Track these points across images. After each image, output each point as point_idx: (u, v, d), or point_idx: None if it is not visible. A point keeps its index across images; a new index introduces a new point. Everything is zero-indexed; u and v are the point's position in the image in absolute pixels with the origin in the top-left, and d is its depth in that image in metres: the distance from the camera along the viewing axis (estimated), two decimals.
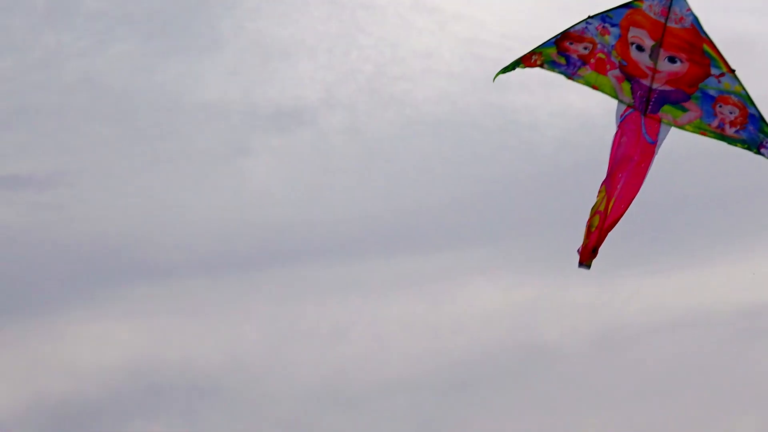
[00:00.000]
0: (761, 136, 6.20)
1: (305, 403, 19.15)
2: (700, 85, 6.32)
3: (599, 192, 6.80)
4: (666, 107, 6.50)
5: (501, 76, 6.85)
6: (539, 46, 6.63)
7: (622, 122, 6.70)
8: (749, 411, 18.82)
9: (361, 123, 21.72)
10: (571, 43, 6.59)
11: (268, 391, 19.22)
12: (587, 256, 6.67)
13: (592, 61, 6.63)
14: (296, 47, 22.07)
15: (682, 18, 6.16)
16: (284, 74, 22.15)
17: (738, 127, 6.27)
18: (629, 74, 6.55)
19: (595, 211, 6.75)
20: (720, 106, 6.31)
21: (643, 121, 6.58)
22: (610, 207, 6.65)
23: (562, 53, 6.64)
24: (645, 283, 19.21)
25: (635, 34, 6.37)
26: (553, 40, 6.58)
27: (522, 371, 19.33)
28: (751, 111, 6.06)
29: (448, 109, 21.59)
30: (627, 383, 19.13)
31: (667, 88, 6.46)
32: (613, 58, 6.57)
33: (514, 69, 6.77)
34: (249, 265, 20.56)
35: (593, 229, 6.67)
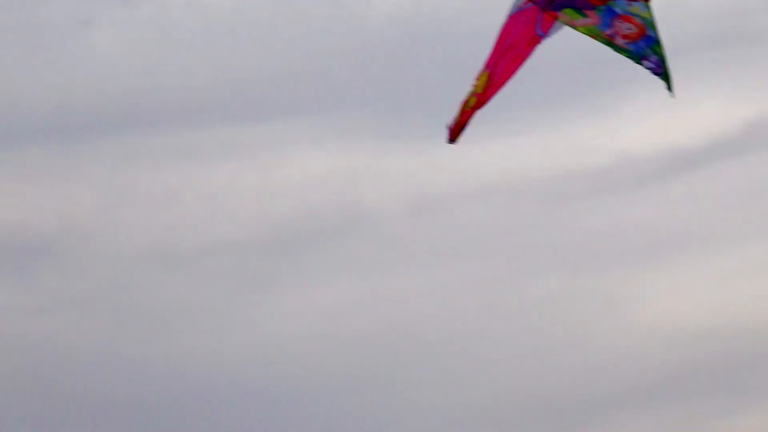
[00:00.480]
0: (648, 51, 6.61)
1: (136, 264, 19.70)
2: (609, 2, 6.66)
3: (480, 76, 6.94)
4: (567, 9, 6.76)
5: None
6: None
7: (517, 12, 6.88)
8: (555, 270, 19.79)
9: None
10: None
11: (100, 251, 19.70)
12: (458, 133, 7.01)
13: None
14: None
15: None
16: None
17: (629, 40, 6.61)
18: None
19: (473, 93, 6.91)
20: (620, 22, 6.62)
21: (540, 16, 6.81)
22: (479, 89, 6.91)
23: None
24: (462, 151, 19.72)
25: None
26: None
27: (343, 233, 20.06)
28: (650, 33, 6.57)
29: None
30: (442, 245, 19.95)
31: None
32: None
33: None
34: (86, 131, 20.93)
35: (467, 109, 6.90)
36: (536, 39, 6.83)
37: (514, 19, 6.84)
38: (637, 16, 6.62)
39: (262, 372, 19.31)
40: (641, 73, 6.54)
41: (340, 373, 19.28)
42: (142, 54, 21.54)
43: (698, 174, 20.72)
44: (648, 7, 6.61)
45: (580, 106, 20.59)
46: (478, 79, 6.91)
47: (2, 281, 19.50)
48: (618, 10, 6.65)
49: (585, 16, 6.79)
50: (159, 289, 19.79)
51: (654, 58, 6.76)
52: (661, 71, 6.76)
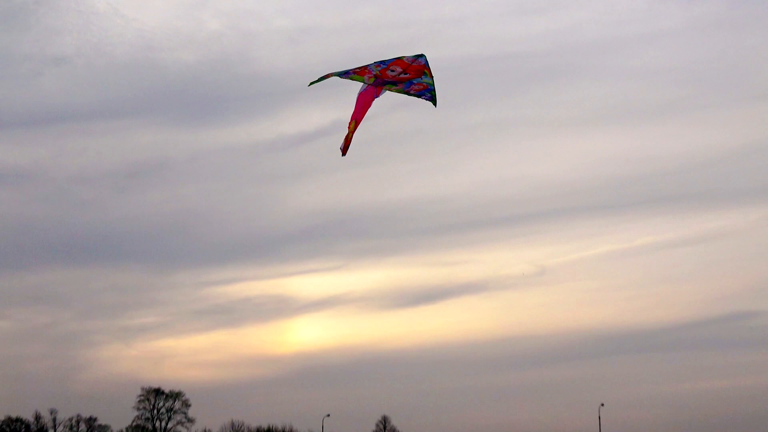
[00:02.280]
0: (428, 94, 14.01)
1: None
2: (411, 80, 14.25)
3: (350, 123, 14.26)
4: (388, 85, 14.18)
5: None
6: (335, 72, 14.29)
7: (364, 90, 14.22)
8: None
9: None
10: (354, 70, 14.45)
11: None
12: (345, 150, 14.39)
13: (360, 72, 14.13)
14: None
15: (419, 62, 14.18)
16: None
17: (417, 92, 14.09)
18: (379, 77, 14.39)
19: (349, 132, 13.89)
20: (417, 86, 13.94)
21: (375, 89, 14.05)
22: (353, 128, 14.02)
23: (346, 72, 14.33)
24: None
25: (394, 67, 14.29)
26: (346, 71, 14.33)
27: None
28: (430, 88, 14.20)
29: None
30: None
31: (391, 80, 14.09)
32: (372, 71, 14.29)
33: (317, 82, 14.06)
34: None
35: (347, 138, 14.21)
36: (372, 99, 14.12)
37: (362, 93, 14.07)
38: (424, 82, 14.18)
39: None
40: None
41: None
42: None
43: None
44: (432, 79, 14.19)
45: None
46: (349, 124, 14.17)
47: None
48: (415, 82, 14.19)
49: (396, 86, 14.14)
50: None
51: (427, 95, 14.36)
52: (432, 99, 14.14)
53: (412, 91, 13.35)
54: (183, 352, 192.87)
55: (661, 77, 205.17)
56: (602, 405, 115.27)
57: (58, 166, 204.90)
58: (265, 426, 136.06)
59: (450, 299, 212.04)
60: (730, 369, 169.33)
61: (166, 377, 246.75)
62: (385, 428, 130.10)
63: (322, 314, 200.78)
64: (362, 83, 13.41)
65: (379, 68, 13.11)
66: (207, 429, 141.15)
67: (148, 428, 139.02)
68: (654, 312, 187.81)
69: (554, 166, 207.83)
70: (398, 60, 13.12)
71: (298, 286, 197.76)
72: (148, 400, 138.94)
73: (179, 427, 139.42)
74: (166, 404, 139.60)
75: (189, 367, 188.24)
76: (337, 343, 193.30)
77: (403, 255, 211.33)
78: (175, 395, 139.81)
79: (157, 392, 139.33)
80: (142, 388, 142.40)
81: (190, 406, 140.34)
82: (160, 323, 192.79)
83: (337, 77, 13.17)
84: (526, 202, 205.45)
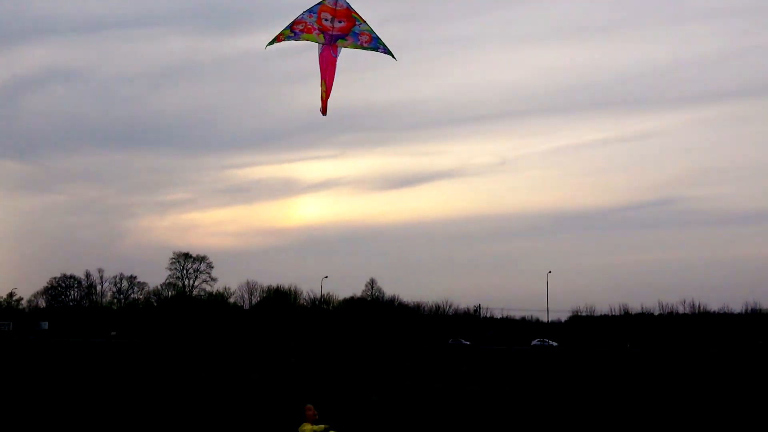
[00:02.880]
0: (379, 44, 13.20)
1: None
2: (352, 29, 13.07)
3: (321, 83, 13.41)
4: (339, 41, 13.11)
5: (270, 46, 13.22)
6: (283, 29, 13.23)
7: (322, 52, 13.34)
8: None
9: None
10: (296, 25, 13.23)
11: None
12: (324, 111, 13.44)
13: (304, 29, 13.16)
14: None
15: (340, 4, 13.05)
16: None
17: (367, 43, 13.06)
18: (323, 31, 13.18)
19: (323, 92, 13.23)
20: (362, 35, 12.98)
21: (330, 48, 13.15)
22: (325, 89, 13.34)
23: (292, 31, 13.28)
24: None
25: (324, 15, 13.09)
26: (288, 25, 13.12)
27: None
28: (374, 36, 13.24)
29: None
30: None
31: (338, 33, 13.01)
32: (314, 26, 13.16)
33: (272, 44, 13.20)
34: None
35: (323, 97, 13.31)
36: (333, 58, 13.27)
37: (321, 55, 13.30)
38: (367, 30, 13.19)
39: None
40: None
41: None
42: None
43: None
44: (368, 25, 13.19)
45: None
46: (321, 84, 13.22)
47: None
48: (357, 31, 13.20)
49: (346, 40, 13.21)
50: None
51: (381, 47, 13.27)
52: (387, 51, 13.16)
53: (364, 44, 12.74)
54: (207, 223, 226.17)
55: None
56: (550, 272, 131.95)
57: (104, 66, 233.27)
58: (274, 285, 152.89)
59: (427, 183, 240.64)
60: (655, 245, 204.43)
61: (193, 244, 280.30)
62: (372, 288, 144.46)
63: (321, 194, 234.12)
64: (317, 43, 12.82)
65: (312, 18, 12.64)
66: (227, 287, 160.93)
67: (178, 285, 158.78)
68: (595, 197, 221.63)
69: (516, 74, 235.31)
70: (322, 5, 12.77)
71: (302, 170, 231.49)
72: (178, 262, 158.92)
73: (204, 285, 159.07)
74: (193, 266, 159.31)
75: (212, 236, 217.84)
76: (334, 218, 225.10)
77: (390, 146, 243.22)
78: (201, 258, 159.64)
79: (186, 256, 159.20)
80: (174, 252, 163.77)
81: (213, 267, 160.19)
82: (188, 199, 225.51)
83: (292, 40, 12.83)
84: (492, 103, 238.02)
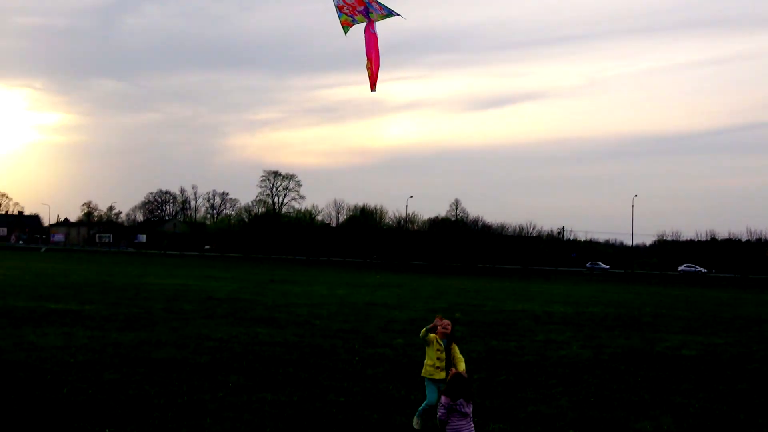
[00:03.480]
0: (391, 12, 12.29)
1: None
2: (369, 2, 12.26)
3: (367, 61, 12.47)
4: (370, 14, 12.39)
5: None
6: (339, 17, 12.63)
7: (366, 29, 12.51)
8: None
9: None
10: (342, 9, 12.61)
11: None
12: (373, 86, 12.40)
13: (351, 11, 12.52)
14: None
15: None
16: None
17: (381, 11, 12.18)
18: (363, 13, 12.50)
19: (368, 67, 12.32)
20: (372, 2, 12.14)
21: (370, 24, 12.42)
22: (372, 64, 12.36)
23: (349, 16, 12.61)
24: None
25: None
26: (340, 14, 12.54)
27: None
28: (384, 6, 12.30)
29: None
30: None
31: (361, 7, 12.33)
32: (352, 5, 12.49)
33: (347, 30, 12.71)
34: None
35: (370, 74, 12.27)
36: (374, 34, 12.48)
37: (366, 31, 12.49)
38: (378, 3, 12.15)
39: None
40: None
41: None
42: None
43: None
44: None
45: None
46: (366, 63, 12.41)
47: None
48: (374, 6, 12.29)
49: (372, 13, 12.41)
50: None
51: (390, 12, 12.31)
52: (394, 13, 12.31)
53: (382, 14, 12.45)
54: (297, 142, 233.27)
55: None
56: (636, 196, 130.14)
57: None
58: (360, 204, 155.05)
59: (514, 105, 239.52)
60: (745, 170, 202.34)
61: (283, 162, 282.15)
62: (456, 209, 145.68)
63: (408, 114, 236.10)
64: (364, 23, 12.52)
65: None
66: (315, 204, 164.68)
67: (268, 202, 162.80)
68: (684, 120, 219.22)
69: None
70: None
71: (390, 91, 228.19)
72: (268, 180, 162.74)
73: (293, 202, 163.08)
74: (283, 183, 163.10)
75: (301, 155, 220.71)
76: (421, 139, 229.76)
77: (477, 67, 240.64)
78: (290, 177, 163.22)
79: (276, 174, 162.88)
80: (264, 170, 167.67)
81: (301, 185, 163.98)
82: (279, 118, 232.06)
83: (357, 22, 12.54)
84: (581, 24, 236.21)
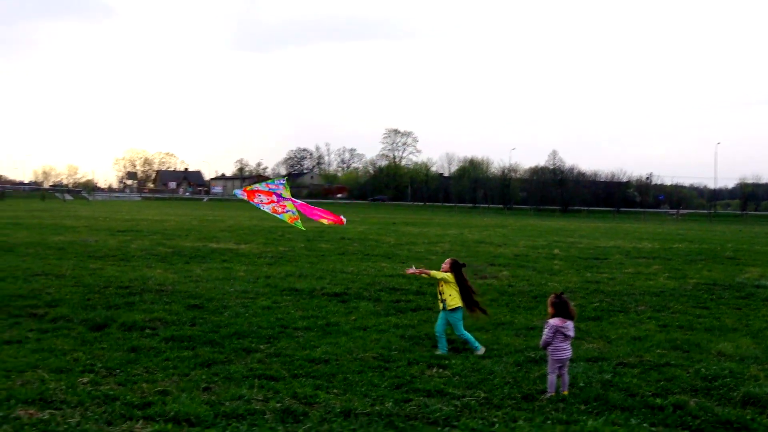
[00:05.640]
0: (277, 189, 11.46)
1: None
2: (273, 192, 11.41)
3: (322, 220, 11.96)
4: (283, 194, 11.46)
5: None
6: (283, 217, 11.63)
7: (299, 206, 11.60)
8: None
9: None
10: (276, 212, 11.65)
11: None
12: (341, 221, 11.76)
13: (281, 206, 11.50)
14: None
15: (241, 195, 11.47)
16: None
17: (279, 191, 11.39)
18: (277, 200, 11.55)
19: (327, 222, 11.80)
20: (274, 188, 11.36)
21: (290, 200, 11.41)
22: (326, 218, 11.75)
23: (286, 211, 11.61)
24: None
25: (259, 197, 11.51)
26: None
27: None
28: (270, 185, 11.59)
29: None
30: None
31: (272, 199, 11.37)
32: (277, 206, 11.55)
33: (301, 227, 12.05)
34: None
35: (331, 222, 11.83)
36: (302, 203, 11.71)
37: (299, 207, 11.58)
38: (271, 190, 11.38)
39: None
40: None
41: None
42: None
43: None
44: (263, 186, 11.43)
45: None
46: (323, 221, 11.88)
47: None
48: (275, 190, 11.40)
49: (284, 194, 11.49)
50: None
51: (279, 185, 11.62)
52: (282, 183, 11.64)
53: (286, 197, 11.53)
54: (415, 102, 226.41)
55: None
56: (719, 143, 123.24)
57: None
58: (469, 156, 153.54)
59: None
60: None
61: (402, 120, 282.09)
62: (554, 158, 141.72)
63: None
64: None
65: (269, 205, 11.37)
66: (429, 158, 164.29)
67: (389, 156, 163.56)
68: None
69: None
70: (248, 193, 11.46)
71: None
72: (389, 136, 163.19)
73: (411, 156, 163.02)
74: (402, 139, 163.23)
75: (417, 113, 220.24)
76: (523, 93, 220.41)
77: None
78: (408, 133, 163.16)
79: (396, 131, 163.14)
80: (386, 129, 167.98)
81: (418, 141, 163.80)
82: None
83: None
84: None
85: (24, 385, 7.07)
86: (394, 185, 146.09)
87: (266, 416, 6.41)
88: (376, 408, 6.72)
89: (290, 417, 6.44)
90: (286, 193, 11.57)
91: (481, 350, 9.28)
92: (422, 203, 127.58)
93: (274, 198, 11.46)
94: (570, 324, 7.55)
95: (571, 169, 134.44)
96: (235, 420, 6.27)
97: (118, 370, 7.78)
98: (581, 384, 7.70)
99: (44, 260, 18.14)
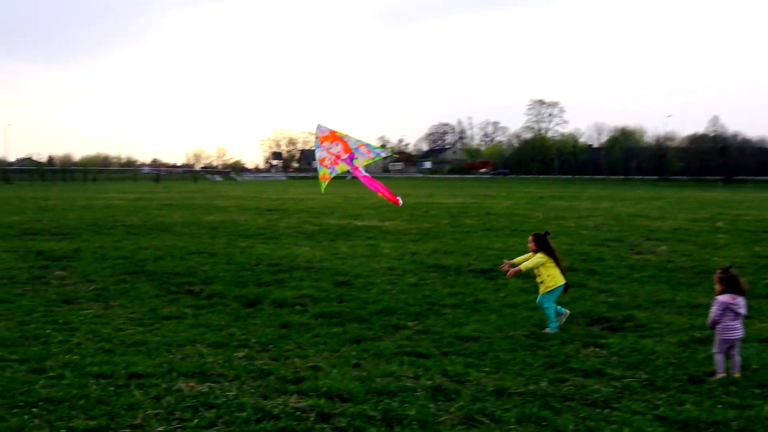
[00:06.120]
0: (375, 148, 11.29)
1: None
2: (350, 147, 11.11)
3: (377, 192, 11.09)
4: (354, 161, 10.99)
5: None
6: (320, 171, 11.08)
7: (355, 174, 11.16)
8: None
9: None
10: (322, 163, 11.16)
11: None
12: (397, 202, 11.03)
13: (332, 162, 11.14)
14: None
15: (322, 130, 11.24)
16: None
17: (368, 154, 11.01)
18: (337, 158, 11.14)
19: (382, 196, 10.93)
20: (360, 147, 11.02)
21: (355, 170, 10.93)
22: (382, 193, 10.88)
23: (329, 167, 11.15)
24: None
25: (326, 144, 11.21)
26: (320, 167, 11.05)
27: None
28: (367, 146, 11.26)
29: None
30: None
31: (346, 155, 11.08)
32: (333, 158, 11.18)
33: (325, 187, 11.22)
34: None
35: (386, 198, 10.84)
36: (366, 175, 10.93)
37: (356, 173, 11.00)
38: (360, 143, 11.06)
39: None
40: None
41: None
42: None
43: None
44: (354, 138, 11.14)
45: None
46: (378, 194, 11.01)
47: None
48: (353, 146, 11.04)
49: (358, 159, 11.01)
50: None
51: (381, 151, 11.60)
52: (384, 153, 12.06)
53: (370, 156, 11.32)
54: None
55: None
56: None
57: None
58: (620, 125, 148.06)
59: None
60: None
61: (547, 90, 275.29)
62: (715, 124, 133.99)
63: None
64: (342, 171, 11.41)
65: (323, 151, 11.29)
66: (577, 128, 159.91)
67: (534, 128, 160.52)
68: None
69: None
70: (319, 138, 11.31)
71: None
72: (534, 108, 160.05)
73: (557, 127, 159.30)
74: (547, 110, 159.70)
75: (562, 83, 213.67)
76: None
77: None
78: (554, 104, 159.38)
79: (541, 102, 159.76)
80: (530, 100, 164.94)
81: (564, 111, 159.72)
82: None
83: (335, 174, 11.28)
84: None
85: (184, 358, 7.46)
86: (540, 158, 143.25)
87: (417, 393, 6.44)
88: (530, 387, 6.61)
89: (441, 394, 6.44)
90: (363, 162, 11.35)
91: (560, 320, 9.13)
92: (570, 176, 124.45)
93: (345, 156, 11.26)
94: (741, 300, 7.10)
95: (735, 136, 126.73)
96: (386, 396, 6.34)
97: (271, 346, 8.07)
98: (754, 366, 7.25)
99: (198, 239, 19.11)
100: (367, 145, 11.31)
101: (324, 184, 11.15)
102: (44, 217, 26.45)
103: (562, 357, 7.65)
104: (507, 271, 9.38)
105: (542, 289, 9.16)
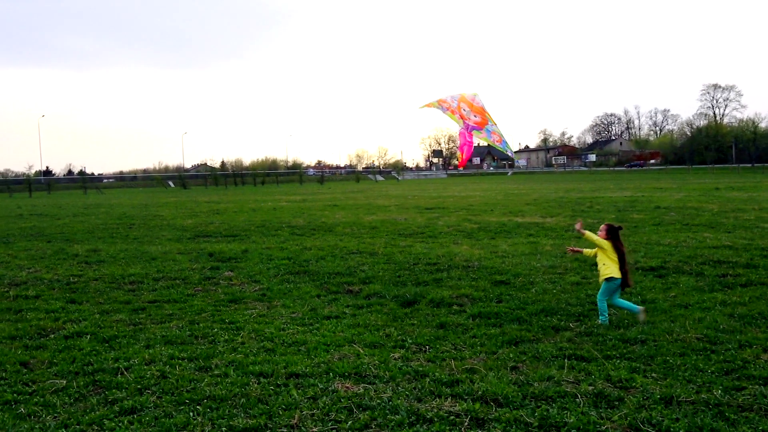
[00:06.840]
0: (507, 148, 12.22)
1: None
2: (486, 126, 12.15)
3: (459, 152, 12.54)
4: (475, 131, 12.12)
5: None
6: (432, 101, 12.49)
7: (462, 132, 12.22)
8: None
9: None
10: (442, 103, 12.44)
11: None
12: (462, 165, 12.52)
13: (449, 108, 12.33)
14: None
15: (477, 101, 12.35)
16: None
17: (498, 143, 12.02)
18: (461, 117, 12.29)
19: (460, 155, 12.38)
20: (494, 134, 11.98)
21: (467, 133, 12.13)
22: (463, 155, 12.30)
23: (440, 105, 12.43)
24: None
25: (462, 105, 12.27)
26: (437, 100, 12.41)
27: None
28: (503, 140, 12.24)
29: None
30: None
31: (474, 125, 12.16)
32: (455, 110, 12.28)
33: (423, 107, 12.51)
34: None
35: (460, 159, 12.48)
36: (469, 141, 12.24)
37: (461, 133, 12.16)
38: (497, 132, 12.00)
39: None
40: None
41: None
42: None
43: None
44: (498, 128, 12.05)
45: None
46: (458, 152, 12.72)
47: None
48: (490, 129, 12.00)
49: (480, 132, 12.00)
50: None
51: (509, 150, 12.33)
52: (511, 154, 12.67)
53: (495, 142, 12.13)
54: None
55: None
56: None
57: None
58: None
59: None
60: None
61: (722, 74, 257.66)
62: None
63: None
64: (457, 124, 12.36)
65: (454, 103, 12.19)
66: (757, 113, 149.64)
67: (708, 114, 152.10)
68: None
69: None
70: (462, 96, 12.32)
71: None
72: (708, 93, 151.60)
73: (734, 113, 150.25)
74: (723, 95, 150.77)
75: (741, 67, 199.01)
76: None
77: None
78: (730, 88, 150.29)
79: (716, 86, 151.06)
80: (704, 84, 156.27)
81: (742, 95, 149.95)
82: None
83: (440, 111, 12.38)
84: None
85: (341, 359, 7.58)
86: (716, 146, 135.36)
87: (578, 399, 6.19)
88: (702, 396, 6.18)
89: (604, 401, 6.15)
90: (483, 138, 12.23)
91: (640, 318, 8.93)
92: (749, 165, 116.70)
93: (471, 121, 12.19)
94: None
95: None
96: (545, 402, 6.14)
97: (427, 347, 8.05)
98: None
99: (359, 239, 19.49)
100: (503, 138, 11.95)
101: (427, 104, 12.30)
102: (216, 219, 28.00)
103: (739, 363, 7.11)
104: (574, 254, 9.93)
105: (600, 278, 9.20)
